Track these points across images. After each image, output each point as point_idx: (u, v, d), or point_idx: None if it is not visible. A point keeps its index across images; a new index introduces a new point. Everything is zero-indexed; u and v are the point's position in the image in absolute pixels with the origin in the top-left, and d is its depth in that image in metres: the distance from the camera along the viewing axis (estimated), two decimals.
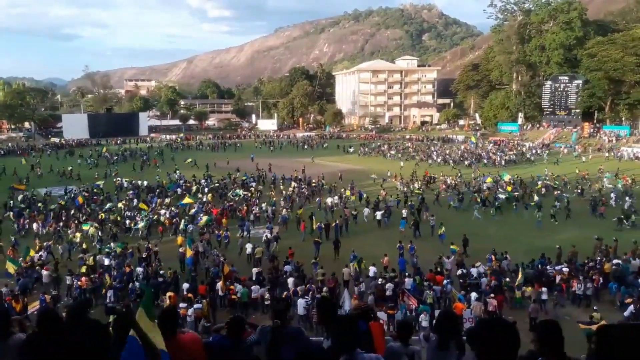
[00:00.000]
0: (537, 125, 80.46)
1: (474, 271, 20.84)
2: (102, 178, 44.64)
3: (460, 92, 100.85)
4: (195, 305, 17.22)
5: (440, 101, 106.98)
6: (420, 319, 16.20)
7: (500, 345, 2.53)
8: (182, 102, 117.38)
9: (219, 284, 19.26)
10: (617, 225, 28.90)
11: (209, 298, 18.22)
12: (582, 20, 79.01)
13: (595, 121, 74.30)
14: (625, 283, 18.85)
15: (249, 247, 24.70)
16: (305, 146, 73.29)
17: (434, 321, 5.95)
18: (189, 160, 53.70)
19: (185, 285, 19.38)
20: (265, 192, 39.23)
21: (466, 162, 53.51)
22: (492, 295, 17.86)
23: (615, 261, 21.33)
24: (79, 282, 19.95)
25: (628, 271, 20.47)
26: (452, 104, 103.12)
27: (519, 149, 65.63)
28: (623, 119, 72.04)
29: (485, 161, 55.98)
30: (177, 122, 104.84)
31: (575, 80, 73.93)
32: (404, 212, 30.97)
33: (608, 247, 23.34)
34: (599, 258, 21.93)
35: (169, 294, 18.41)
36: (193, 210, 32.54)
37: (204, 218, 29.98)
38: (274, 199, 36.03)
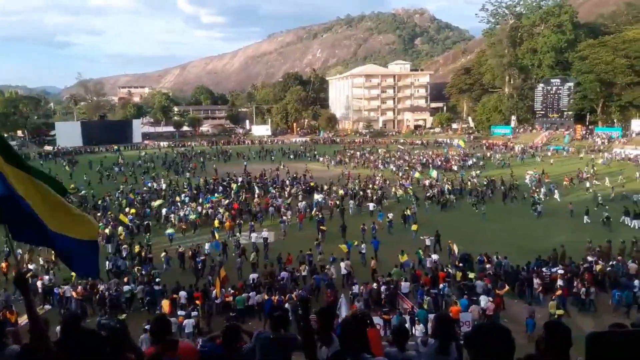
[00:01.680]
0: (530, 128, 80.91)
1: (430, 260, 23.00)
2: (149, 178, 49.44)
3: (453, 95, 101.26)
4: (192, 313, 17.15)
5: (433, 105, 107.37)
6: (415, 327, 15.92)
7: (496, 350, 2.55)
8: (175, 109, 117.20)
9: (215, 291, 19.18)
10: (532, 210, 33.98)
11: (205, 306, 18.17)
12: (573, 23, 79.78)
13: (587, 123, 74.83)
14: (619, 285, 18.91)
15: (253, 237, 27.25)
16: (292, 156, 70.18)
17: (432, 326, 5.94)
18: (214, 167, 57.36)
19: (182, 294, 19.25)
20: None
21: (418, 168, 53.14)
22: (490, 299, 17.85)
23: (610, 263, 21.44)
24: (73, 293, 19.81)
25: (620, 271, 20.56)
26: (445, 108, 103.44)
27: (480, 154, 65.16)
28: (615, 120, 72.68)
29: (432, 166, 54.45)
30: (170, 128, 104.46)
31: (567, 83, 74.39)
32: (390, 215, 31.71)
33: (602, 250, 23.36)
34: (590, 259, 22.02)
35: (164, 301, 18.29)
36: (225, 204, 36.42)
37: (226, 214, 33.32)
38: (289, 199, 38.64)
